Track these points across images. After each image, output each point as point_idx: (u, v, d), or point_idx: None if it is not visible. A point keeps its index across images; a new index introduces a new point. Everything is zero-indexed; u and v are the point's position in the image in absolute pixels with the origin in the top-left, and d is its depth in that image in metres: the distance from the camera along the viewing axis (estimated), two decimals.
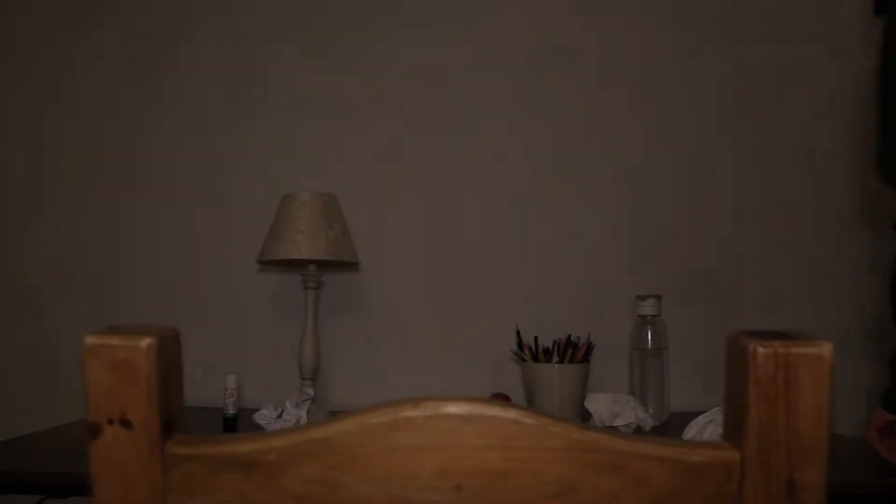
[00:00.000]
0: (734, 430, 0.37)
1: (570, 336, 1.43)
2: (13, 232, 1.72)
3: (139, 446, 0.38)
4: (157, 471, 0.38)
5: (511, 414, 0.35)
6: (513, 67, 1.69)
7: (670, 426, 1.37)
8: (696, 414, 1.14)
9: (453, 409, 0.35)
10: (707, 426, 1.02)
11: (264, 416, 1.34)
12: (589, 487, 0.35)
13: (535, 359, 1.42)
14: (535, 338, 1.45)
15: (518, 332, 1.47)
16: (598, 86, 1.69)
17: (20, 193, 1.74)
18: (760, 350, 0.35)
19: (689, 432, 1.05)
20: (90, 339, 0.38)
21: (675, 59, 1.69)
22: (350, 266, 1.64)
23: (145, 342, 0.37)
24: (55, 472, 1.03)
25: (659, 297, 1.44)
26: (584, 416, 1.33)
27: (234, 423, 1.32)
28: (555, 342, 1.43)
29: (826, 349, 0.35)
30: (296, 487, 0.36)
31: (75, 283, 1.70)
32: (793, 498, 0.36)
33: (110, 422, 0.38)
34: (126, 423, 0.38)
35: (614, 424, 1.27)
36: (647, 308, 1.44)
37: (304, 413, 1.32)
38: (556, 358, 1.41)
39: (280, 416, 1.34)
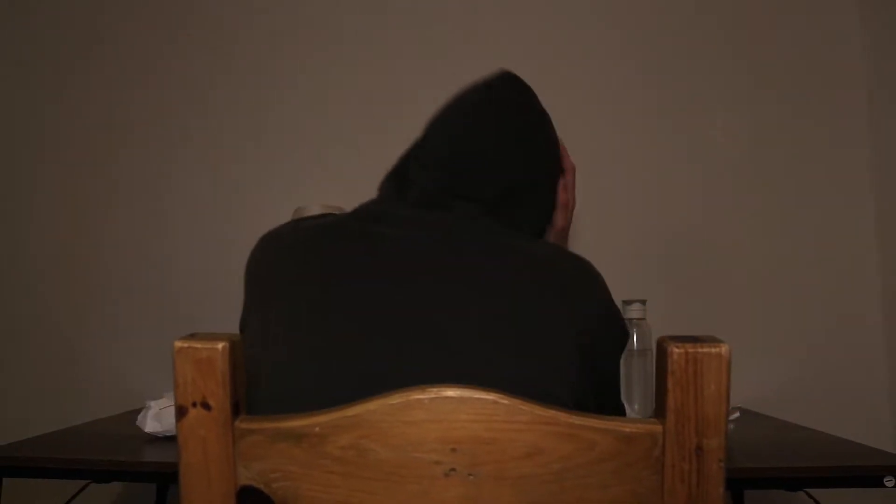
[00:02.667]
0: (658, 408, 0.49)
1: None
2: (44, 238, 1.86)
3: (216, 423, 0.51)
4: (229, 441, 0.51)
5: (492, 396, 0.48)
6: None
7: None
8: None
9: (450, 393, 0.48)
10: None
11: None
12: (550, 450, 0.48)
13: None
14: None
15: None
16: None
17: (45, 201, 1.87)
18: (676, 350, 0.48)
19: None
20: (178, 343, 0.51)
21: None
22: None
23: (221, 345, 0.50)
24: (99, 460, 1.15)
25: (644, 302, 1.56)
26: None
27: None
28: None
29: (724, 349, 0.48)
30: (334, 452, 0.49)
31: (105, 291, 1.83)
32: (700, 458, 0.48)
33: (194, 405, 0.51)
34: (206, 406, 0.51)
35: None
36: (634, 312, 1.55)
37: None
38: None
39: None
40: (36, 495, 1.68)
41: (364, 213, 0.72)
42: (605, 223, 1.79)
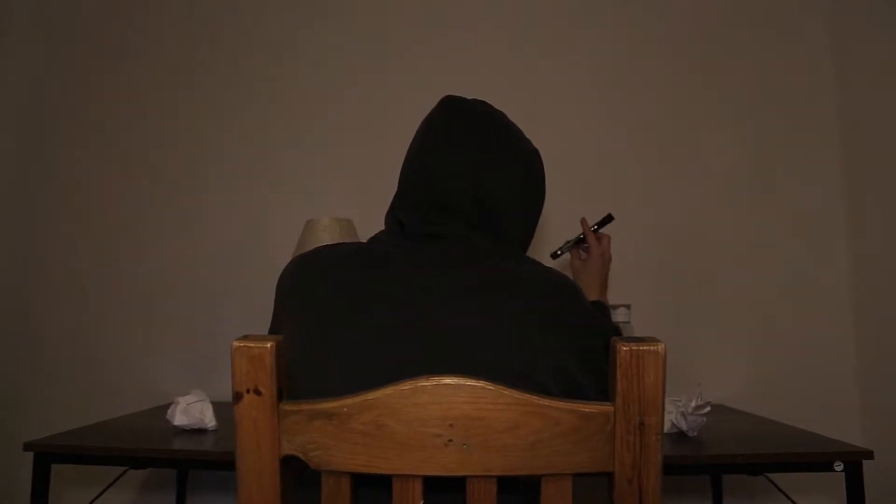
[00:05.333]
0: (610, 393, 0.63)
1: None
2: (69, 244, 2.00)
3: (265, 406, 0.64)
4: (275, 420, 0.65)
5: (481, 384, 0.61)
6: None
7: None
8: None
9: (449, 381, 0.62)
10: None
11: None
12: (526, 425, 0.62)
13: None
14: None
15: None
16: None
17: (81, 214, 2.01)
18: (623, 348, 0.62)
19: None
20: (236, 343, 0.65)
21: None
22: None
23: (269, 344, 0.64)
24: (137, 448, 1.29)
25: (629, 307, 1.69)
26: None
27: None
28: None
29: (661, 347, 0.62)
30: (359, 427, 0.63)
31: (136, 299, 1.97)
32: (643, 433, 0.62)
33: (248, 391, 0.65)
34: (258, 392, 0.64)
35: None
36: (619, 316, 1.68)
37: None
38: None
39: None
40: (74, 482, 1.82)
41: (377, 244, 0.86)
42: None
